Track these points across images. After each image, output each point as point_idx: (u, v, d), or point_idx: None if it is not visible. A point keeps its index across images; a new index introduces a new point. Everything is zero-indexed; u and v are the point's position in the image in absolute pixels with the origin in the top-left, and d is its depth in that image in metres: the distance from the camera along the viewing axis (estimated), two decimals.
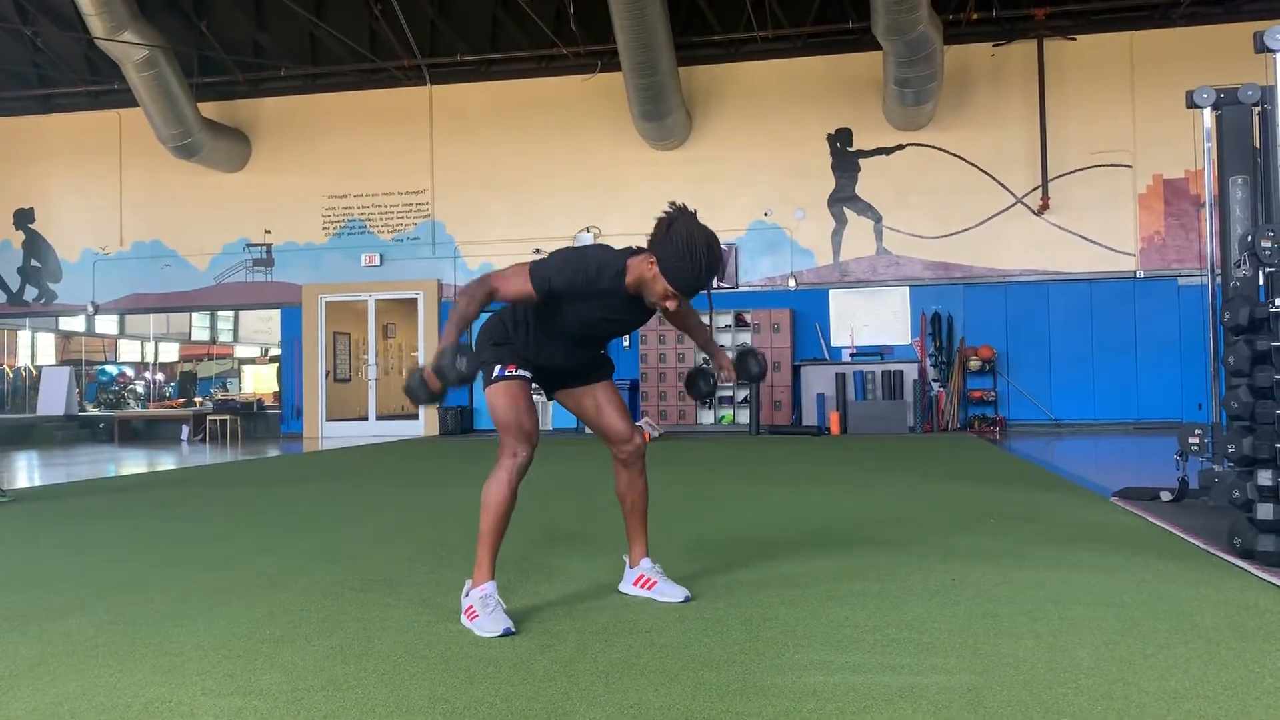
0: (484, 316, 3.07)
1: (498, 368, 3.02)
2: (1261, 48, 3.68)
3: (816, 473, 7.61)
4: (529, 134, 14.32)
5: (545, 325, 2.99)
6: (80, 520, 5.58)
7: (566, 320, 2.93)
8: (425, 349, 14.58)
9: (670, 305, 2.82)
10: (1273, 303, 3.47)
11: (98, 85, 15.25)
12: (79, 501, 6.58)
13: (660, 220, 2.78)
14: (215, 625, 2.94)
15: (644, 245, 2.86)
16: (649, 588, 3.18)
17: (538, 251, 14.12)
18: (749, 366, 3.29)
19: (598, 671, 2.40)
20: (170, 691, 2.31)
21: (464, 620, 2.88)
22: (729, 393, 13.43)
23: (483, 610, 2.83)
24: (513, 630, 2.76)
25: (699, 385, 3.29)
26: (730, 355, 3.35)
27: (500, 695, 2.24)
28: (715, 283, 2.93)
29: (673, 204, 2.84)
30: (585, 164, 14.17)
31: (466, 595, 2.94)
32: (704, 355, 3.24)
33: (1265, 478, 3.51)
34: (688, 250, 2.70)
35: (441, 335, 2.76)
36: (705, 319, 3.01)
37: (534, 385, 3.08)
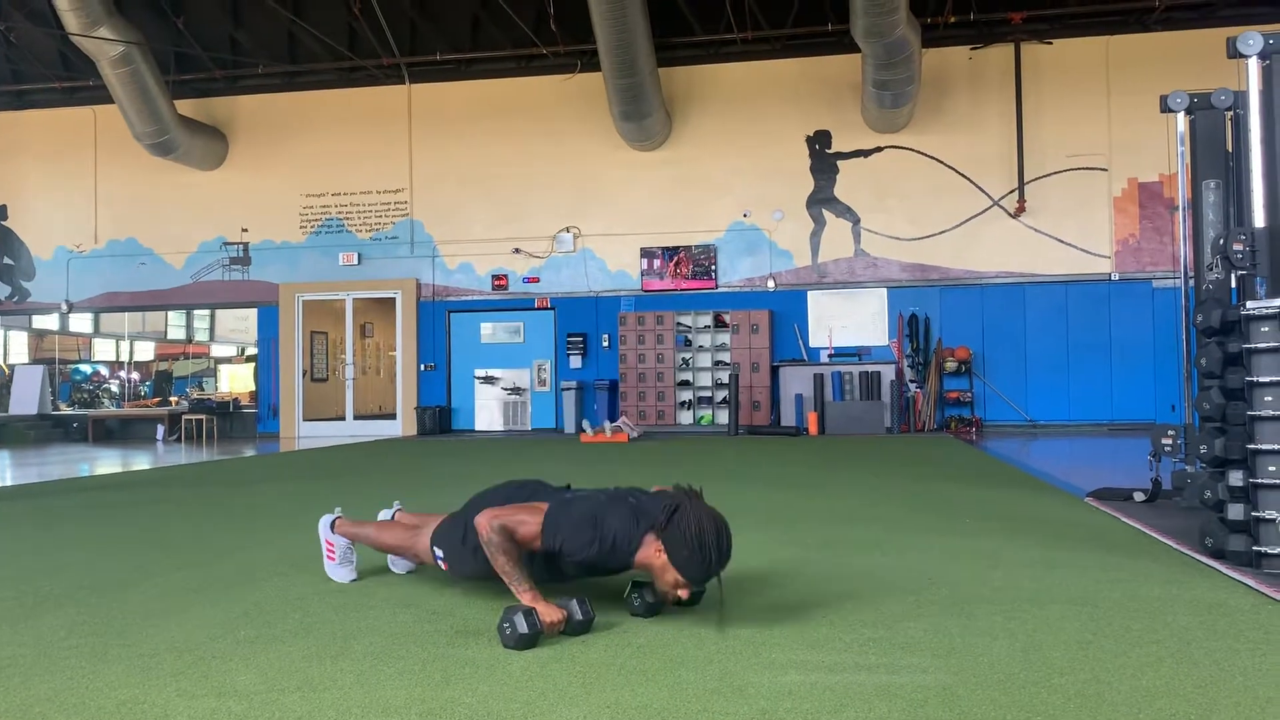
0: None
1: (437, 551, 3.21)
2: (1234, 53, 3.72)
3: (794, 473, 7.63)
4: (509, 134, 14.29)
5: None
6: (53, 520, 5.52)
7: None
8: (403, 349, 14.53)
9: (683, 595, 2.73)
10: (1244, 305, 3.51)
11: (72, 82, 15.12)
12: (51, 501, 6.52)
13: (665, 505, 2.70)
14: (190, 625, 2.92)
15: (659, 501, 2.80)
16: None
17: (517, 251, 14.12)
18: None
19: (574, 672, 2.40)
20: (144, 692, 2.29)
21: (324, 549, 3.53)
22: (708, 393, 13.45)
23: (340, 557, 3.48)
24: (357, 579, 3.43)
25: (646, 600, 2.95)
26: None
27: (477, 695, 2.23)
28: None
29: (677, 486, 2.78)
30: (565, 164, 14.15)
31: (330, 529, 3.50)
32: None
33: (1236, 478, 3.55)
34: (698, 542, 2.61)
35: (520, 594, 2.75)
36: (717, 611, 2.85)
37: None
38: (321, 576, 3.63)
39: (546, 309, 14.18)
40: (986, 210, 13.19)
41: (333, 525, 3.52)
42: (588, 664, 2.46)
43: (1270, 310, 3.42)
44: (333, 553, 3.49)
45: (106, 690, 2.32)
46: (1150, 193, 12.93)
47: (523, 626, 2.59)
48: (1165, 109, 5.23)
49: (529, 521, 2.80)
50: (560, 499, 2.90)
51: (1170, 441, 5.24)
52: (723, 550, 2.65)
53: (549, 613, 2.66)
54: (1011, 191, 13.10)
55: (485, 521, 2.78)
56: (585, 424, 12.44)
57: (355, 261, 14.64)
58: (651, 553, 2.71)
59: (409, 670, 2.44)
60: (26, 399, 15.08)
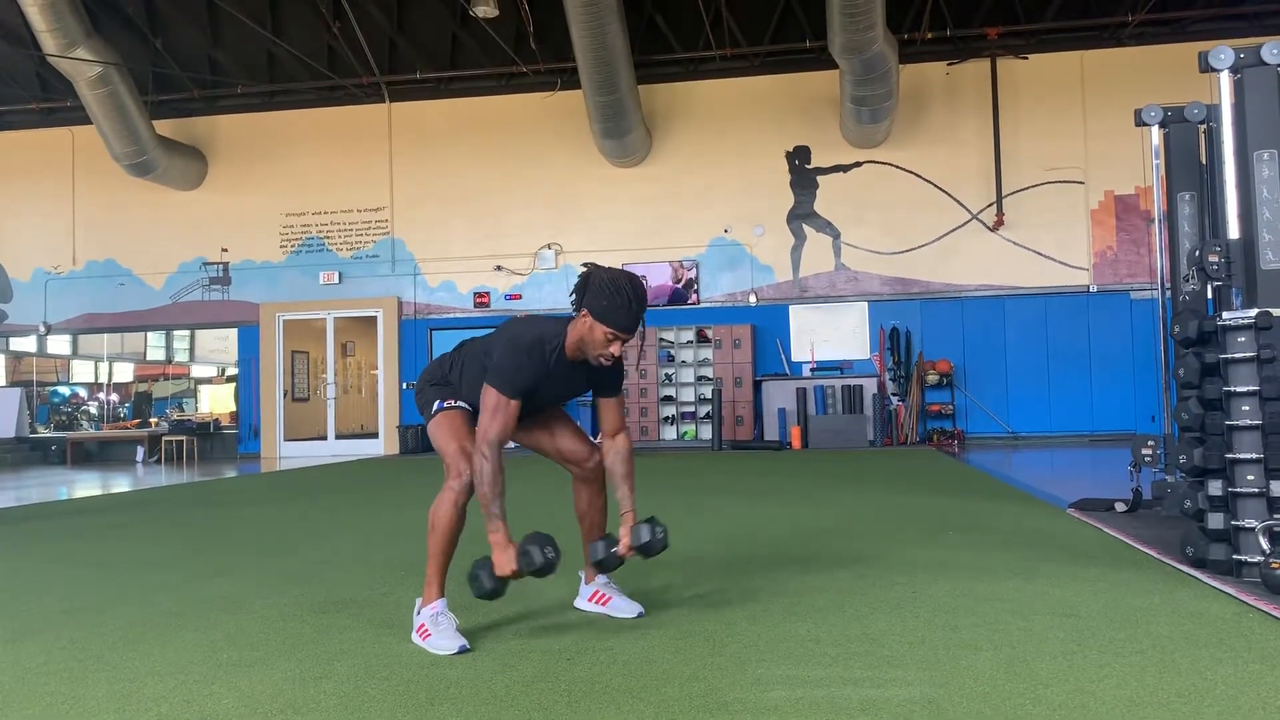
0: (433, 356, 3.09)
1: (436, 403, 3.08)
2: (1206, 67, 3.76)
3: (778, 487, 7.64)
4: (489, 151, 14.30)
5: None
6: (31, 544, 5.47)
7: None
8: (384, 368, 14.48)
9: (615, 350, 2.90)
10: (1220, 316, 3.54)
11: (50, 102, 15.04)
12: (29, 525, 6.46)
13: (576, 284, 2.91)
14: (171, 649, 2.90)
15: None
16: (603, 603, 3.20)
17: (499, 269, 14.12)
18: (640, 536, 2.99)
19: (560, 690, 2.39)
20: (125, 718, 2.27)
21: (416, 639, 2.88)
22: (691, 408, 13.46)
23: (435, 628, 2.84)
24: (468, 647, 2.77)
25: (603, 555, 3.04)
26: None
27: (462, 715, 2.22)
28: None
29: (584, 264, 3.01)
30: (546, 181, 14.17)
31: (418, 614, 2.94)
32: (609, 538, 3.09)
33: (1216, 487, 3.58)
34: (613, 290, 2.83)
35: (490, 534, 2.87)
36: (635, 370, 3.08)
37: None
38: (303, 599, 3.60)
39: None
40: (965, 224, 13.28)
41: (418, 609, 2.97)
42: (573, 681, 2.46)
43: (1246, 320, 3.46)
44: (425, 631, 2.86)
45: (87, 716, 2.29)
46: (1126, 205, 13.05)
47: (485, 578, 2.86)
48: (1139, 122, 5.29)
49: (490, 415, 2.86)
50: (486, 367, 2.98)
51: (1150, 452, 5.28)
52: (638, 293, 2.86)
53: (503, 564, 2.82)
54: (990, 205, 13.20)
55: (481, 445, 2.85)
56: None
57: (336, 280, 14.60)
58: (580, 323, 2.89)
59: (393, 691, 2.43)
60: (4, 422, 14.94)
